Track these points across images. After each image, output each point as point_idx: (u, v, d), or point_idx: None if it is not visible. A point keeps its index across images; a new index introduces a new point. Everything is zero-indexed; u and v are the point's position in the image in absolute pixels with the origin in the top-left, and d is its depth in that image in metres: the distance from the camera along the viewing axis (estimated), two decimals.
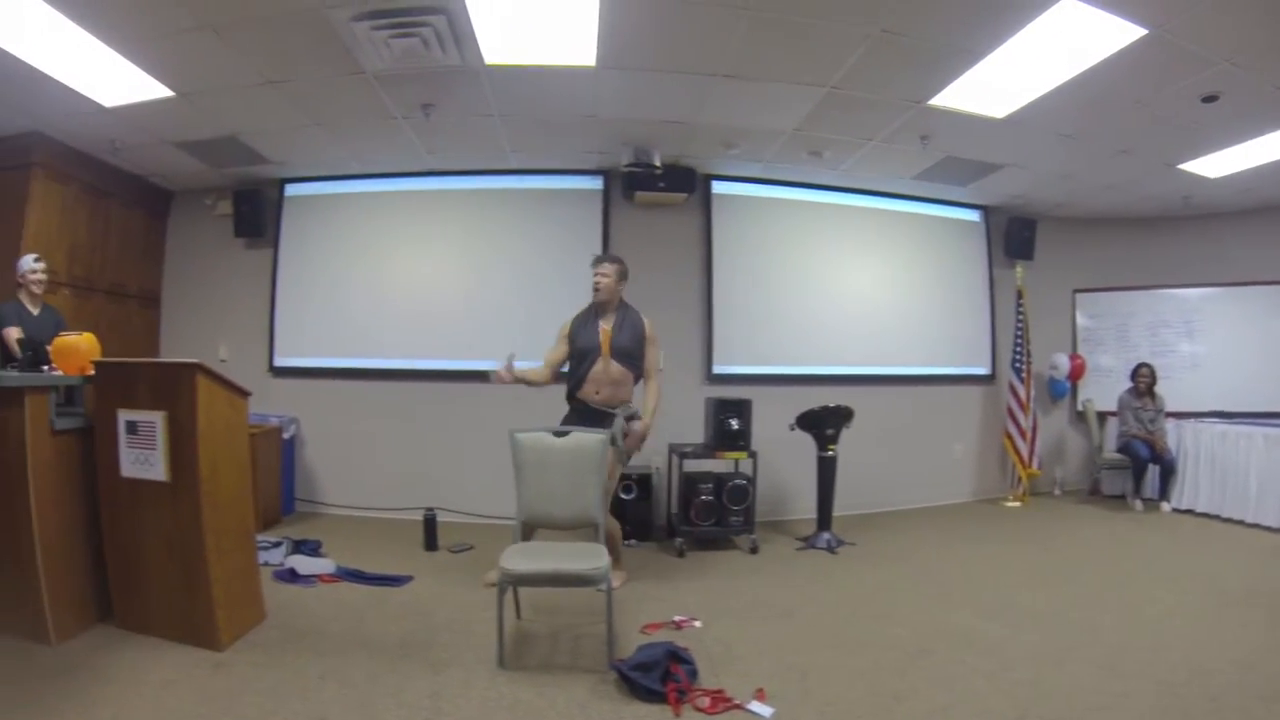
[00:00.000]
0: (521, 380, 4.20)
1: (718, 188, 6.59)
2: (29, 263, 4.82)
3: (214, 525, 3.32)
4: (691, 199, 6.42)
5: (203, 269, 6.88)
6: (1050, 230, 7.51)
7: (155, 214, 6.92)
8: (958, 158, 5.98)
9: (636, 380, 4.42)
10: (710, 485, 5.33)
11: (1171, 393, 7.03)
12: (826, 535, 5.41)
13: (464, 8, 3.82)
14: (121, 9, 3.83)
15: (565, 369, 4.44)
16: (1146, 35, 3.87)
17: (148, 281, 6.84)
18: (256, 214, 6.60)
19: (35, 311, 4.83)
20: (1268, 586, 4.38)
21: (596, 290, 4.36)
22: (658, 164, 5.98)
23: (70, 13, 3.85)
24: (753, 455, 5.36)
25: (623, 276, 4.44)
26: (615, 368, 4.28)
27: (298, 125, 5.44)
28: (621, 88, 4.84)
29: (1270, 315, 7.22)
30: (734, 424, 5.26)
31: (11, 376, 3.50)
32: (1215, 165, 5.96)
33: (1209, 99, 4.64)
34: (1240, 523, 6.09)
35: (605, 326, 4.34)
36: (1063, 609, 3.97)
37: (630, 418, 4.32)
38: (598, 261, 4.43)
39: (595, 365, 4.27)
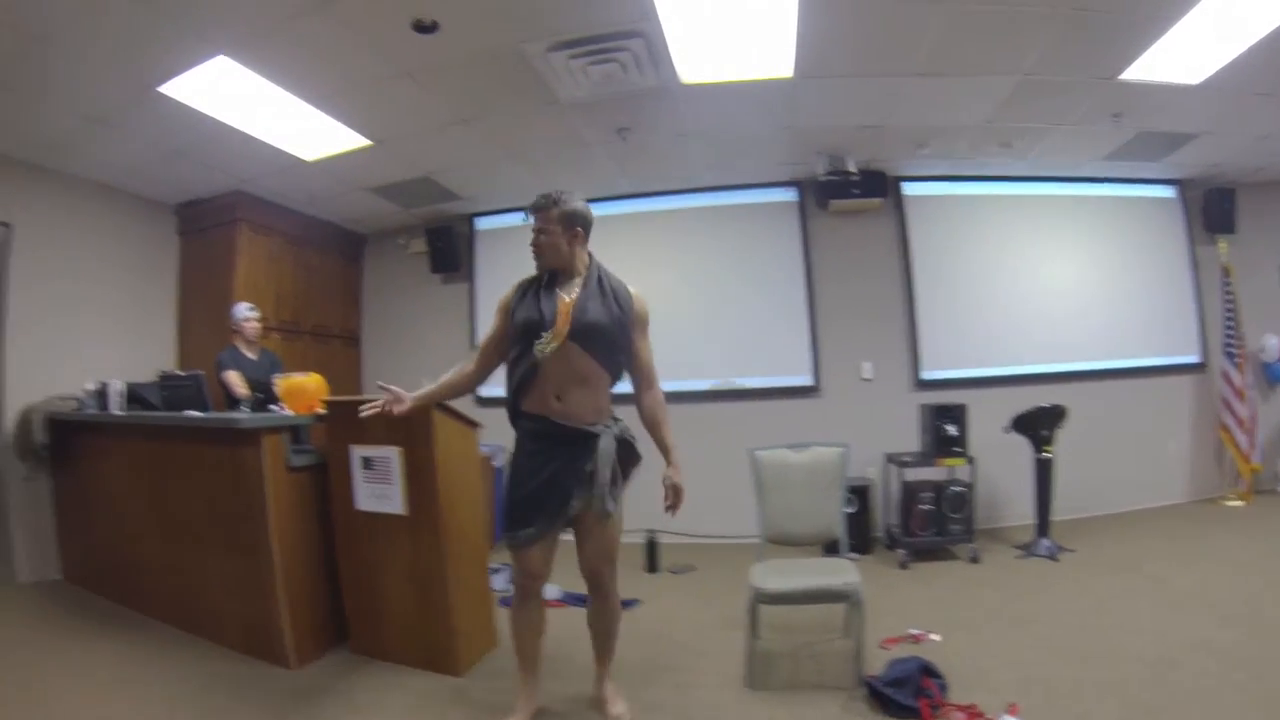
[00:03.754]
0: (422, 403, 2.99)
1: (908, 189, 6.49)
2: (243, 310, 5.16)
3: (453, 555, 3.42)
4: (885, 203, 6.34)
5: (399, 306, 7.29)
6: (1252, 198, 6.82)
7: (349, 257, 7.40)
8: (1150, 131, 5.60)
9: (614, 381, 2.89)
10: (930, 494, 5.17)
11: None
12: (1046, 542, 5.12)
13: (660, 30, 3.86)
14: (320, 65, 4.06)
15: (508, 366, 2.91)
16: None
17: (348, 321, 7.31)
18: (450, 250, 6.93)
19: (252, 356, 5.15)
20: None
21: (537, 254, 2.84)
22: (853, 170, 5.91)
23: (272, 75, 4.13)
24: (970, 461, 5.19)
25: (571, 224, 2.82)
26: (581, 358, 2.70)
27: (491, 160, 5.65)
28: (818, 96, 4.82)
29: None
30: (951, 429, 5.12)
31: (249, 418, 3.74)
32: None
33: None
34: None
35: (565, 296, 2.77)
36: None
37: (623, 439, 2.82)
38: (534, 211, 2.84)
39: (549, 355, 2.70)
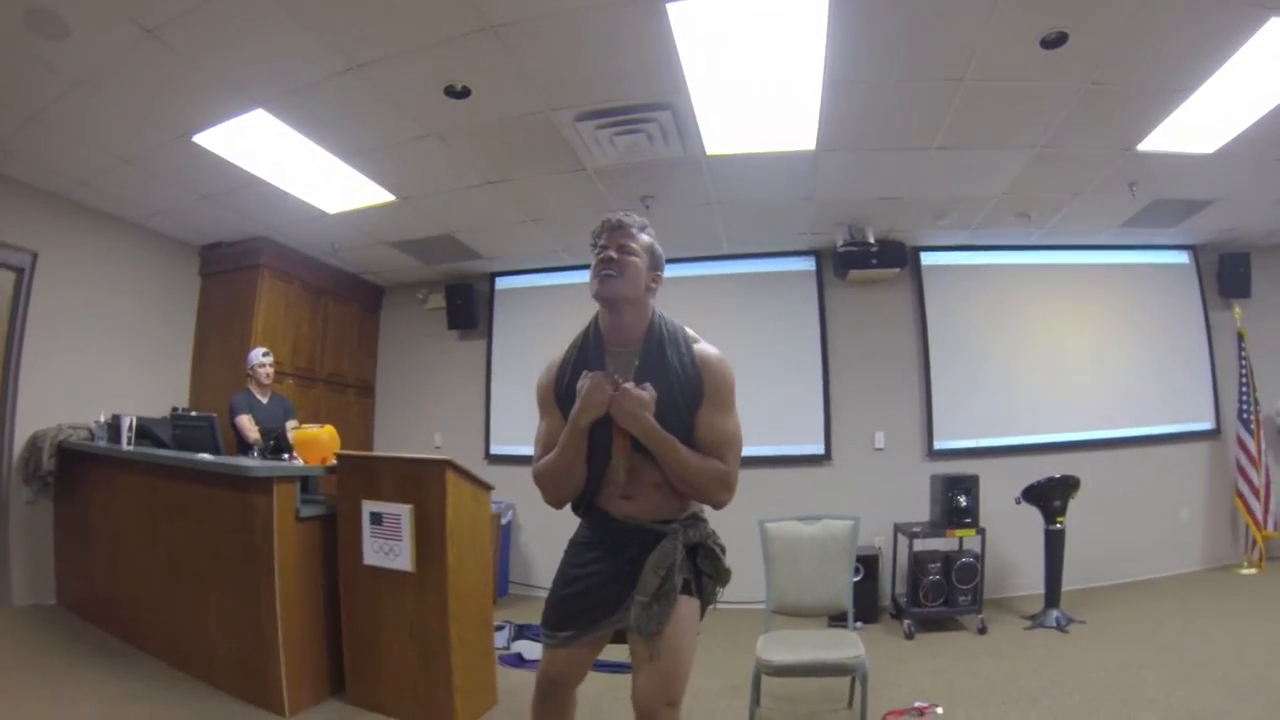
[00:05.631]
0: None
1: (926, 259, 6.56)
2: (258, 356, 5.21)
3: (458, 614, 3.42)
4: (903, 273, 6.40)
5: (416, 360, 7.36)
6: (1267, 261, 6.80)
7: (368, 308, 7.50)
8: (1166, 199, 5.64)
9: None
10: (938, 564, 5.17)
11: None
12: (1055, 613, 5.06)
13: (689, 103, 3.94)
14: (352, 123, 4.15)
15: None
16: None
17: (363, 372, 7.38)
18: (469, 307, 7.01)
19: (264, 400, 5.19)
20: None
21: (609, 275, 2.10)
22: (872, 241, 5.96)
23: (305, 130, 4.22)
24: (981, 532, 5.19)
25: (656, 262, 2.22)
26: (650, 464, 2.10)
27: (514, 221, 5.73)
28: (839, 168, 4.89)
29: None
30: (962, 500, 5.12)
31: (262, 466, 3.77)
32: None
33: None
34: None
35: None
36: None
37: (702, 545, 2.20)
38: (615, 227, 2.17)
39: (611, 462, 2.15)
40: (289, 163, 4.63)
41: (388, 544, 3.48)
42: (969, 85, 3.85)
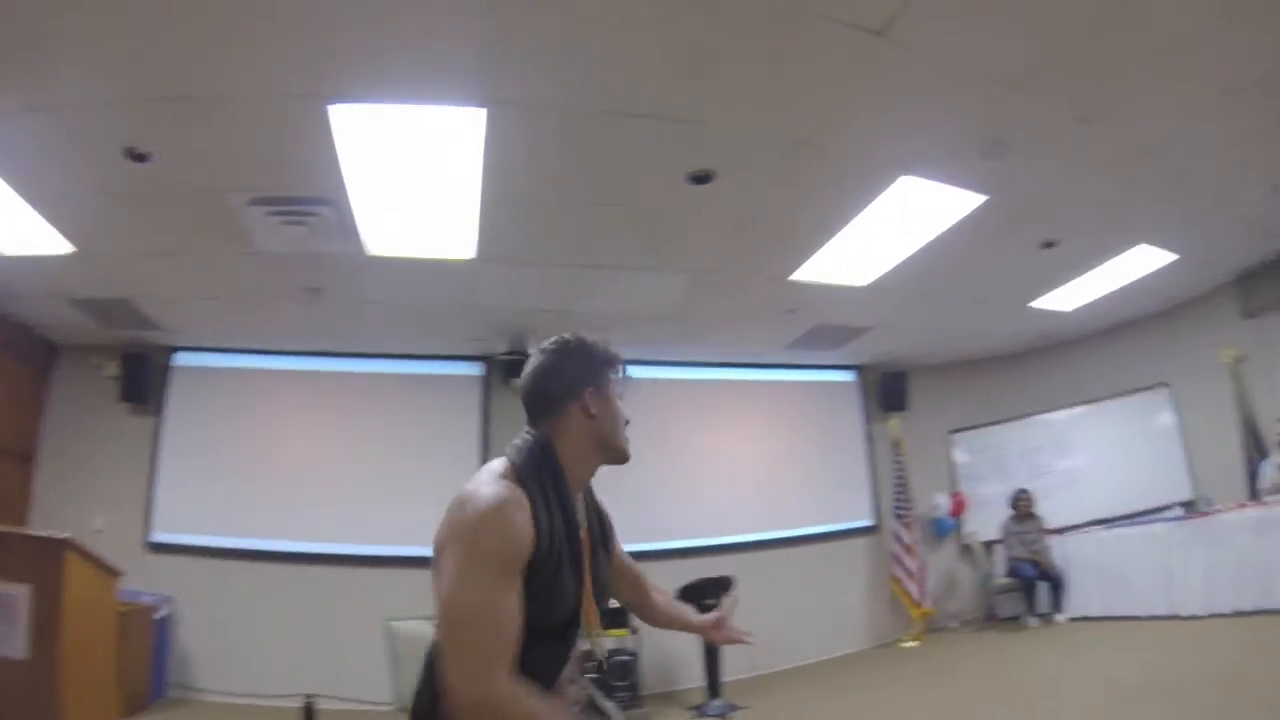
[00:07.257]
0: None
1: None
2: None
3: (74, 709, 3.19)
4: None
5: (84, 431, 6.44)
6: (923, 378, 7.98)
7: (40, 367, 6.49)
8: (827, 325, 6.35)
9: None
10: (593, 664, 5.25)
11: (1054, 509, 7.32)
12: (718, 703, 5.36)
13: (349, 202, 4.01)
14: (40, 163, 3.84)
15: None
16: (987, 201, 4.31)
17: (24, 438, 6.32)
18: (143, 380, 6.36)
19: None
20: (1158, 675, 4.39)
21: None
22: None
23: None
24: (635, 631, 5.49)
25: None
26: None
27: (189, 296, 5.43)
28: (500, 279, 5.08)
29: (1130, 423, 7.60)
30: (612, 604, 5.30)
31: None
32: (1068, 299, 6.41)
33: (1048, 245, 5.10)
34: (1133, 618, 6.15)
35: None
36: None
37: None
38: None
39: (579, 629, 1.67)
40: None
41: (3, 628, 3.21)
42: (623, 210, 4.23)
